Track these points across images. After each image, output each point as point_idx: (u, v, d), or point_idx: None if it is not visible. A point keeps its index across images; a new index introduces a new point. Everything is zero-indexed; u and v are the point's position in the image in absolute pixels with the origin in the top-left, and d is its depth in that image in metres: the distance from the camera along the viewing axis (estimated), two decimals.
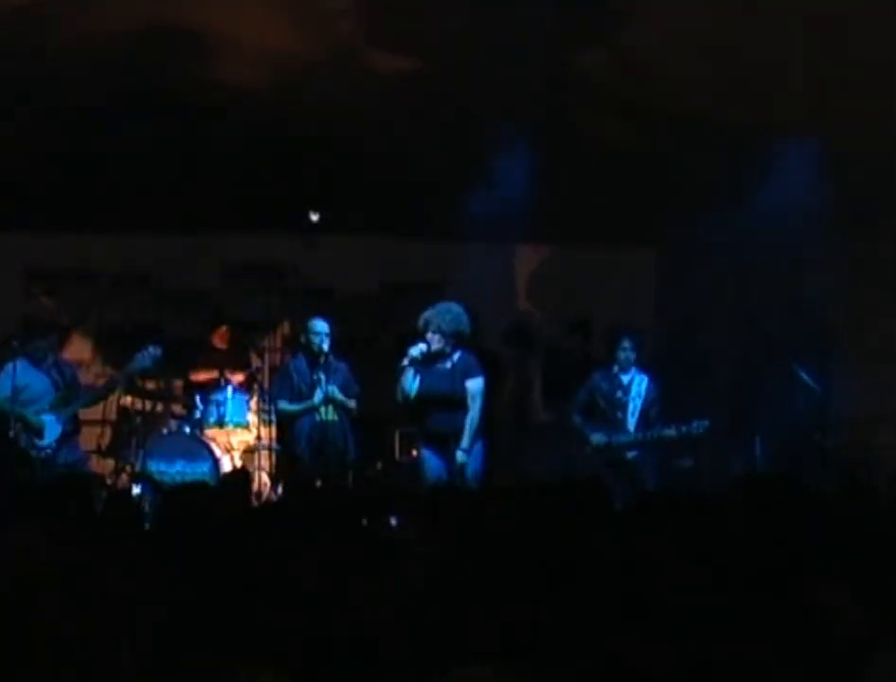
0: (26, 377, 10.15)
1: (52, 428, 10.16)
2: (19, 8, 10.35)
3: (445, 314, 9.97)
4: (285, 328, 13.06)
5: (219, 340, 11.97)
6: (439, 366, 9.95)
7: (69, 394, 10.25)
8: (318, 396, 10.41)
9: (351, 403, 10.58)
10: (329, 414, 10.48)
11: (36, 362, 10.20)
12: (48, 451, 10.10)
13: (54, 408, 10.16)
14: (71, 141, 11.07)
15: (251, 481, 9.86)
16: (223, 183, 11.51)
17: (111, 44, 10.54)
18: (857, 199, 10.69)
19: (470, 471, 9.80)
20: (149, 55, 10.68)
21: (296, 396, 10.54)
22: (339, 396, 10.49)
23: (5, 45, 10.48)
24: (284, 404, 10.64)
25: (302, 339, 10.72)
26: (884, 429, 10.98)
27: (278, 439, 11.22)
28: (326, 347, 10.50)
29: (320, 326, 10.58)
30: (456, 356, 9.97)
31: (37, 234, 12.62)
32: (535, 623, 4.30)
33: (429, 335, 9.91)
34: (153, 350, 10.36)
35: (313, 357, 10.51)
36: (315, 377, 10.43)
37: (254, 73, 10.86)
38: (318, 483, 8.27)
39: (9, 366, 10.14)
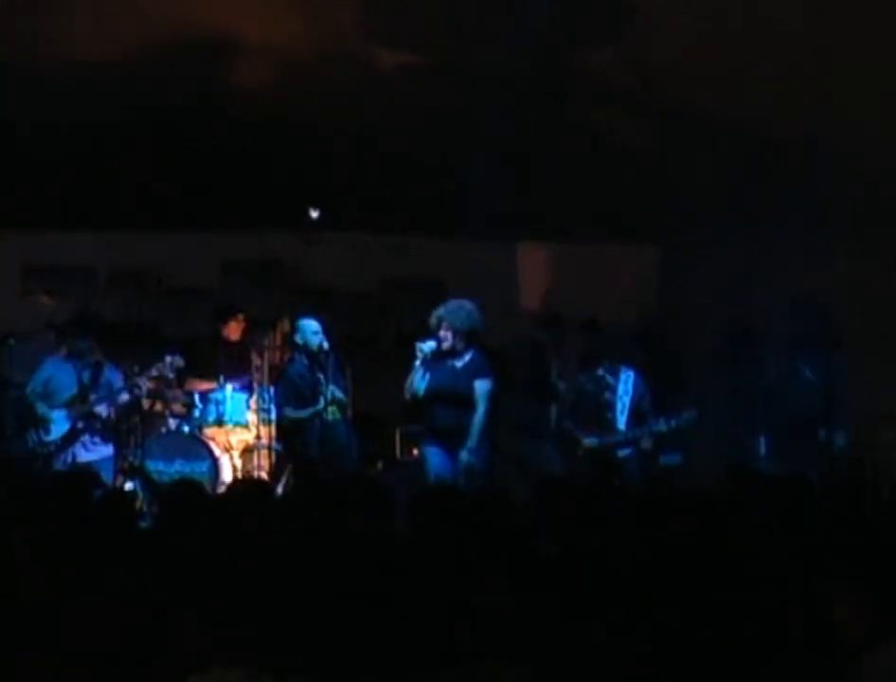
0: (53, 369, 10.37)
1: (59, 424, 10.22)
2: (26, 11, 10.33)
3: (459, 311, 9.94)
4: (285, 326, 13.00)
5: (234, 330, 11.87)
6: (450, 363, 9.92)
7: (88, 393, 10.29)
8: (322, 400, 10.39)
9: (346, 399, 10.57)
10: (333, 414, 10.46)
11: (72, 357, 10.34)
12: (52, 447, 10.14)
13: (69, 404, 10.20)
14: (71, 138, 11.04)
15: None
16: (222, 180, 11.47)
17: (109, 42, 10.51)
18: (864, 196, 10.66)
19: (474, 471, 9.77)
20: (148, 54, 10.65)
21: (301, 400, 10.51)
22: (340, 395, 10.47)
23: (5, 48, 10.48)
24: (290, 412, 10.59)
25: (298, 339, 10.67)
26: (889, 427, 10.95)
27: (279, 439, 11.17)
28: (325, 344, 10.48)
29: (315, 325, 10.55)
30: (467, 355, 9.94)
31: (35, 231, 12.59)
32: (533, 622, 4.26)
33: (442, 333, 9.87)
34: (176, 360, 10.45)
35: (313, 357, 10.47)
36: (317, 377, 10.40)
37: (253, 69, 10.83)
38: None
39: (44, 358, 10.45)
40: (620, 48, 10.77)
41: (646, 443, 10.04)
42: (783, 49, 10.16)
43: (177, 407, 11.70)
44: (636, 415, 10.16)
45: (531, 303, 13.25)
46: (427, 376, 9.87)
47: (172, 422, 11.59)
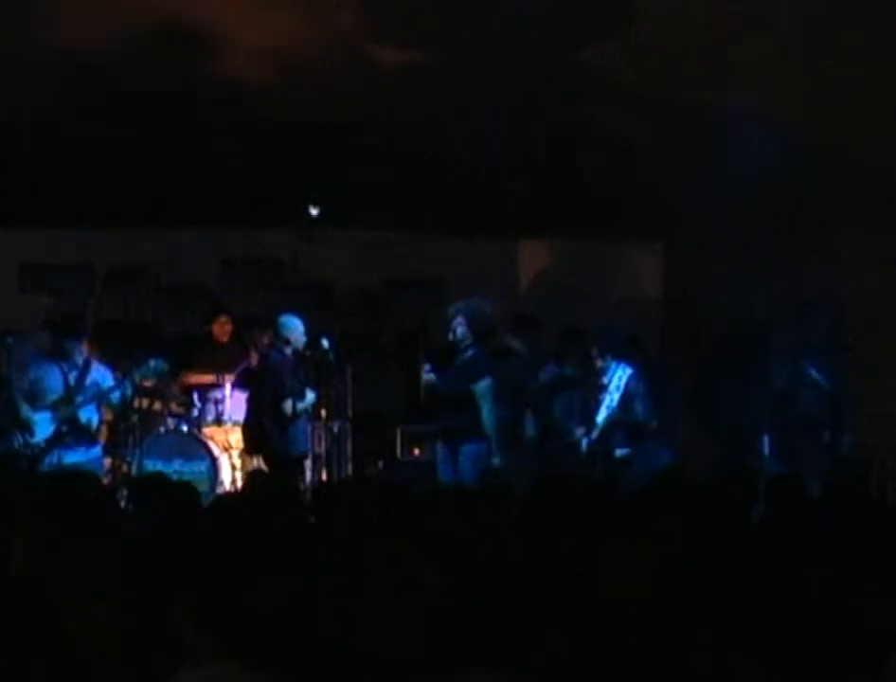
0: (39, 370, 10.21)
1: (44, 426, 10.05)
2: (19, 3, 10.30)
3: (474, 306, 10.02)
4: None
5: (220, 332, 11.83)
6: (456, 358, 9.98)
7: (74, 394, 10.16)
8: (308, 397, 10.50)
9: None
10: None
11: (58, 358, 10.19)
12: (36, 450, 9.99)
13: (54, 407, 10.09)
14: (69, 136, 11.02)
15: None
16: (222, 177, 11.45)
17: (109, 40, 10.50)
18: (867, 196, 10.67)
19: (469, 473, 9.75)
20: (147, 50, 10.63)
21: (290, 394, 10.47)
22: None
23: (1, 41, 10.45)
24: (289, 405, 10.51)
25: (285, 335, 10.61)
26: (893, 427, 10.95)
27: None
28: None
29: (301, 324, 10.51)
30: (471, 351, 9.97)
31: (33, 229, 12.57)
32: (533, 628, 4.24)
33: (454, 322, 9.93)
34: (155, 364, 10.37)
35: (299, 355, 10.54)
36: (301, 376, 10.48)
37: (253, 66, 10.81)
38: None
39: (31, 358, 10.30)
40: (621, 47, 10.75)
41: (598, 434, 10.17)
42: (783, 49, 10.14)
43: (175, 406, 11.68)
44: (623, 413, 10.23)
45: (531, 303, 13.24)
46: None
47: (171, 422, 11.56)
